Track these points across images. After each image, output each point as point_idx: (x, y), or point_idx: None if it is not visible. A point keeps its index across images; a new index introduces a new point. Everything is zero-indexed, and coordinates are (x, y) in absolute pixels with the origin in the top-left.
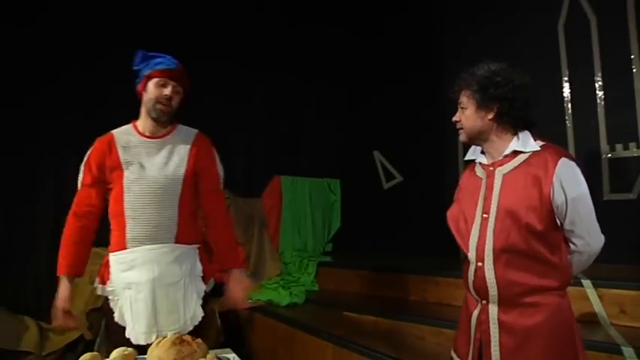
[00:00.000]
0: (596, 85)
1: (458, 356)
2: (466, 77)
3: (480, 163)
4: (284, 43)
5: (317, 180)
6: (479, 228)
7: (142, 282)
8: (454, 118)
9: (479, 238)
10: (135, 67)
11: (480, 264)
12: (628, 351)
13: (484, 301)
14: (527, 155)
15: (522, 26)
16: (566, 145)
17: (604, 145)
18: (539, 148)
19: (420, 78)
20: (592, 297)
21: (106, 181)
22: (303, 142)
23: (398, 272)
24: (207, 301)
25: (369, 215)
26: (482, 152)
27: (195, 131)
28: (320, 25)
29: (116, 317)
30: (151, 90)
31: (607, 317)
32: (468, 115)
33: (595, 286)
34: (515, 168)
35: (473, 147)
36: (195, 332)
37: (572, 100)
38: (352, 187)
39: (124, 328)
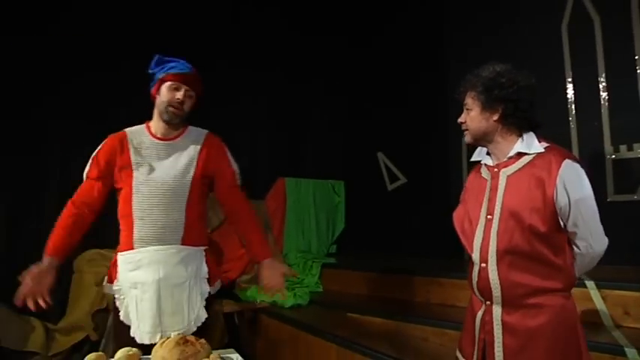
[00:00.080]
0: (600, 85)
1: (463, 356)
2: (471, 78)
3: (485, 165)
4: (288, 45)
5: (321, 182)
6: (483, 229)
7: (148, 282)
8: (459, 120)
9: (483, 239)
10: (150, 71)
11: (483, 265)
12: (631, 352)
13: (488, 302)
14: (531, 157)
15: (526, 27)
16: (569, 146)
17: (608, 146)
18: (543, 150)
19: (424, 79)
20: (595, 298)
21: (113, 178)
22: (307, 144)
23: (402, 273)
24: (211, 302)
25: (373, 217)
26: (488, 153)
27: (205, 132)
28: (324, 28)
29: (122, 316)
30: (163, 93)
31: (610, 318)
32: (473, 117)
33: (598, 287)
34: (520, 169)
35: (479, 148)
36: (200, 333)
37: (575, 101)
38: (356, 188)
39: (129, 327)
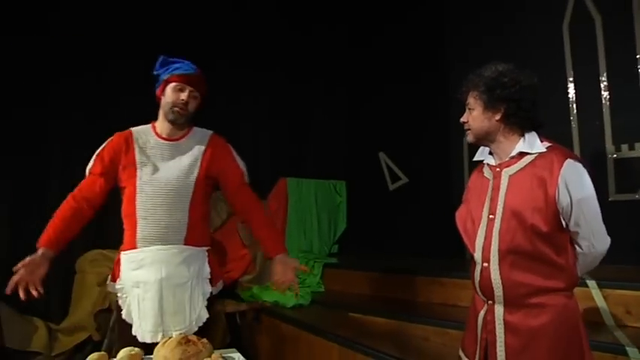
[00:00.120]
0: (601, 85)
1: (465, 355)
2: (473, 78)
3: (488, 164)
4: (290, 45)
5: (322, 182)
6: (485, 229)
7: (150, 281)
8: (462, 119)
9: (485, 238)
10: (154, 72)
11: (485, 264)
12: (633, 352)
13: (490, 302)
14: (533, 156)
15: (527, 27)
16: (571, 146)
17: (609, 146)
18: (545, 150)
19: (425, 79)
20: (597, 297)
21: (117, 176)
22: (308, 144)
23: (403, 273)
24: (213, 302)
25: (374, 216)
26: (491, 153)
27: (209, 133)
28: (325, 28)
29: (124, 314)
30: (168, 94)
31: (612, 318)
32: (475, 116)
33: (600, 286)
34: (522, 169)
35: (481, 148)
36: (202, 333)
37: (577, 101)
38: (358, 188)
39: (131, 325)
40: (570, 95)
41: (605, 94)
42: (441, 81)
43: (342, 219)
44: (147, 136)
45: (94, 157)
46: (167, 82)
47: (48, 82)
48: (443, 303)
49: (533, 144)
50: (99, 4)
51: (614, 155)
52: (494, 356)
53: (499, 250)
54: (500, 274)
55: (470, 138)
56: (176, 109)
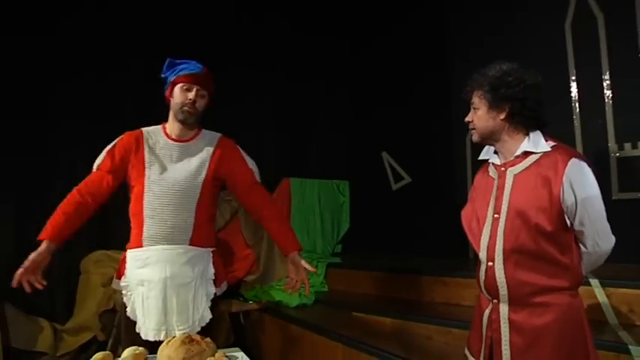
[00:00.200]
0: (604, 83)
1: (471, 354)
2: (478, 77)
3: (493, 164)
4: (293, 46)
5: (326, 182)
6: (490, 228)
7: (155, 280)
8: (466, 119)
9: (490, 238)
10: (162, 75)
11: (490, 264)
12: (636, 350)
13: (495, 301)
14: (538, 156)
15: (529, 26)
16: (573, 145)
17: (612, 144)
18: (549, 149)
19: (428, 79)
20: (600, 296)
21: (126, 175)
22: (311, 144)
23: (406, 273)
24: (217, 302)
25: (378, 216)
26: (496, 152)
27: (218, 135)
28: (328, 28)
29: (128, 312)
30: (176, 95)
31: (615, 317)
32: (480, 116)
33: (603, 285)
34: (526, 168)
35: (486, 147)
36: (205, 332)
37: (579, 100)
38: (361, 188)
39: (135, 323)
40: (573, 94)
41: (607, 92)
42: (444, 81)
43: (345, 219)
44: (157, 136)
45: (104, 153)
46: (175, 83)
47: (53, 82)
48: (446, 302)
49: (537, 143)
50: (104, 5)
51: (617, 154)
52: (499, 355)
53: (504, 250)
54: (505, 273)
55: (475, 137)
56: (185, 108)
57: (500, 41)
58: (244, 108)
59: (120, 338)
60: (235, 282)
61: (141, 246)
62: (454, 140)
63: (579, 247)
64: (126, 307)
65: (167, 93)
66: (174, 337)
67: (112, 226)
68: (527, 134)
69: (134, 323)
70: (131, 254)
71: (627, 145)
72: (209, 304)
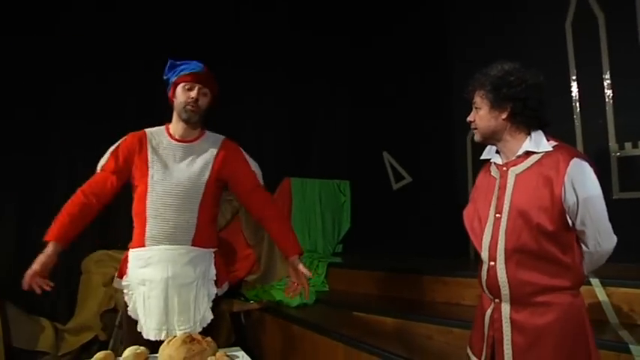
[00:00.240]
0: (605, 83)
1: (473, 353)
2: (480, 77)
3: (495, 163)
4: (294, 46)
5: (327, 181)
6: (492, 228)
7: (156, 280)
8: (468, 119)
9: (491, 237)
10: (164, 77)
11: (492, 263)
12: (637, 349)
13: (497, 300)
14: (539, 155)
15: (529, 26)
16: (574, 144)
17: (613, 144)
18: (551, 149)
19: (428, 79)
20: (600, 296)
21: (130, 175)
22: (312, 143)
23: (407, 272)
24: (218, 302)
25: (378, 216)
26: (498, 152)
27: (221, 137)
28: (328, 28)
29: (129, 311)
30: (179, 95)
31: (615, 316)
32: (481, 115)
33: (604, 284)
34: (528, 168)
35: (488, 147)
36: (206, 332)
37: (580, 99)
38: (362, 188)
39: (136, 322)
40: (573, 94)
41: (608, 92)
42: (444, 81)
43: (346, 218)
44: (160, 136)
45: (108, 154)
46: (176, 83)
47: (53, 82)
48: (446, 302)
49: (539, 143)
50: (104, 5)
51: (618, 153)
52: (501, 354)
53: (505, 249)
54: (507, 272)
55: (477, 137)
56: (188, 107)
57: (501, 41)
58: (245, 108)
59: (121, 338)
60: (236, 282)
61: (143, 246)
62: (455, 140)
63: (581, 247)
64: (127, 307)
65: (170, 94)
66: (175, 336)
67: (113, 226)
68: (529, 134)
69: (135, 322)
70: (133, 254)
71: (628, 145)
72: (210, 304)
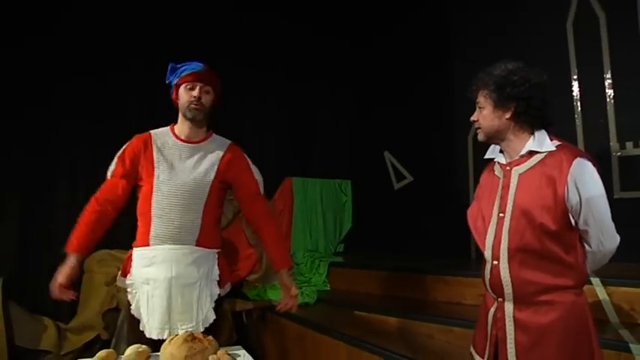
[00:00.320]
0: (606, 82)
1: (476, 352)
2: (483, 77)
3: (498, 163)
4: (295, 46)
5: (328, 181)
6: (495, 227)
7: (160, 279)
8: (472, 118)
9: (495, 237)
10: (167, 81)
11: (495, 262)
12: (637, 349)
13: (500, 299)
14: (542, 155)
15: (531, 26)
16: (575, 144)
17: (614, 144)
18: (554, 148)
19: (429, 79)
20: (601, 295)
21: (138, 176)
22: (314, 143)
23: (408, 272)
24: (220, 302)
25: (380, 216)
26: (501, 151)
27: (228, 142)
28: (330, 28)
29: (132, 309)
30: (182, 95)
31: (616, 315)
32: (485, 115)
33: (604, 284)
34: (531, 168)
35: (492, 146)
36: (208, 332)
37: (581, 99)
38: (363, 187)
39: (139, 321)
40: (575, 93)
41: (609, 91)
42: (446, 80)
43: (347, 218)
44: (165, 137)
45: (115, 159)
46: (179, 85)
47: (54, 82)
48: (447, 301)
49: (542, 142)
50: (105, 6)
51: (619, 153)
52: (504, 353)
53: (508, 249)
54: (510, 272)
55: (480, 136)
56: (192, 106)
57: (502, 41)
58: (246, 108)
59: (123, 336)
60: (238, 281)
61: (148, 245)
62: (456, 139)
63: (584, 246)
64: (130, 305)
65: (173, 96)
66: (176, 335)
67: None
68: (533, 133)
69: (138, 321)
70: (137, 252)
71: (629, 144)
72: (213, 304)
